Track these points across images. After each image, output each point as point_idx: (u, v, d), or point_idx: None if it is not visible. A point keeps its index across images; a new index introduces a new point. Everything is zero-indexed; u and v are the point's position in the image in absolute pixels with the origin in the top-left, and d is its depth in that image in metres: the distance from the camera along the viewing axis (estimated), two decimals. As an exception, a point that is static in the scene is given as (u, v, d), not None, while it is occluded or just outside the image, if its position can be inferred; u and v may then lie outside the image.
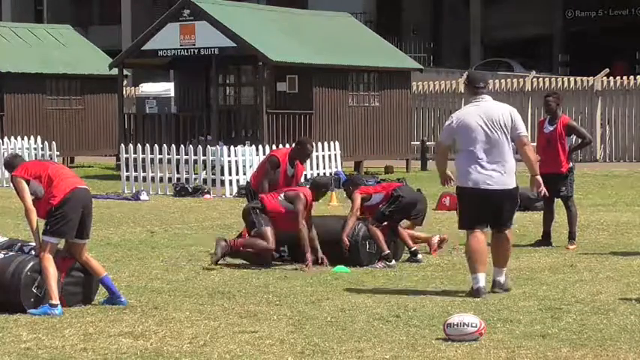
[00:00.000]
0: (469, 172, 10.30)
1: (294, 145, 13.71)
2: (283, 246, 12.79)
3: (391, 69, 29.58)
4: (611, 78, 32.61)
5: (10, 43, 31.75)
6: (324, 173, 24.68)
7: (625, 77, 32.57)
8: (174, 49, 27.04)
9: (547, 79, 34.01)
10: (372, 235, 12.49)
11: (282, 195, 12.60)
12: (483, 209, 10.35)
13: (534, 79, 33.87)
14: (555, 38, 48.09)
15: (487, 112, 10.36)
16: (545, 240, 14.20)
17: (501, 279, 10.53)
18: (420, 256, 12.86)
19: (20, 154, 24.60)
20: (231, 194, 22.46)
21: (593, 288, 10.75)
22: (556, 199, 14.28)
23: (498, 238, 10.53)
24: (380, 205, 12.72)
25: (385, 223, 12.66)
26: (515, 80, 34.32)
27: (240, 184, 22.59)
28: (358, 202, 12.70)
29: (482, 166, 10.30)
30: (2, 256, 9.86)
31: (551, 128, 14.17)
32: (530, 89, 33.64)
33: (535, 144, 14.07)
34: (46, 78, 31.16)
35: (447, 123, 10.58)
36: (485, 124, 10.31)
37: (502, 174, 10.39)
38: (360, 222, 12.66)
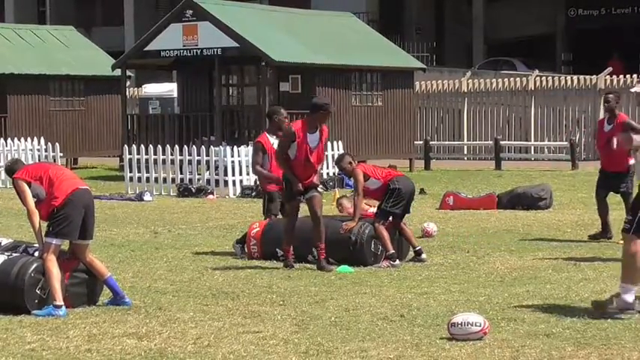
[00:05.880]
0: None
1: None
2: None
3: (394, 68, 29.57)
4: (614, 76, 32.57)
5: (14, 44, 31.76)
6: (327, 173, 24.68)
7: (629, 76, 32.53)
8: (177, 49, 27.05)
9: (550, 78, 33.98)
10: (377, 235, 12.46)
11: None
12: None
13: (537, 78, 33.84)
14: (558, 37, 48.04)
15: None
16: (605, 232, 14.34)
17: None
18: (424, 255, 12.84)
19: (23, 156, 24.69)
20: (234, 194, 22.47)
21: (597, 287, 10.73)
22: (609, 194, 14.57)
23: None
24: (380, 203, 12.63)
25: (390, 218, 12.62)
26: (518, 79, 34.28)
27: (244, 185, 22.60)
28: (361, 177, 12.50)
29: None
30: (6, 257, 9.88)
31: (609, 127, 14.33)
32: (533, 88, 33.61)
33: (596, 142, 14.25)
34: (50, 79, 31.18)
35: None
36: None
37: None
38: (366, 222, 12.63)
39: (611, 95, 14.52)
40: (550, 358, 7.84)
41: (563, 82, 33.42)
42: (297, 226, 12.67)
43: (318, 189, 12.33)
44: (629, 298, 9.22)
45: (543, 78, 33.94)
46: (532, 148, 32.62)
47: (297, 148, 12.12)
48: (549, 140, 32.86)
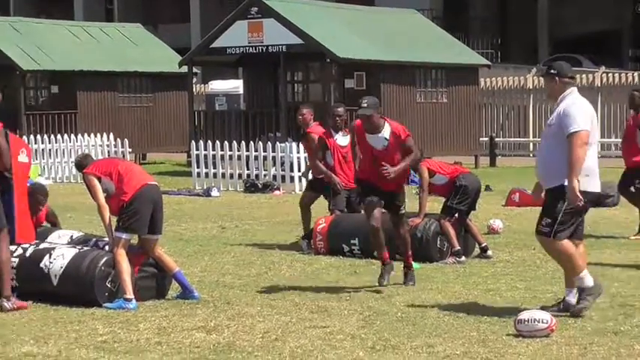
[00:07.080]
0: (595, 175, 9.10)
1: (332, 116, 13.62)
2: (354, 238, 12.79)
3: (458, 65, 29.49)
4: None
5: (83, 42, 32.20)
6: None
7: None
8: (243, 46, 27.24)
9: (617, 75, 33.64)
10: (443, 231, 12.47)
11: None
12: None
13: (604, 75, 33.52)
14: (624, 33, 47.52)
15: (591, 108, 9.18)
16: None
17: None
18: (490, 252, 12.83)
19: (92, 152, 25.02)
20: (300, 190, 22.54)
21: (666, 284, 10.65)
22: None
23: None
24: (446, 200, 12.64)
25: (456, 215, 12.62)
26: (584, 76, 33.98)
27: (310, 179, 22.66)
28: (426, 174, 12.52)
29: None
30: (77, 250, 10.05)
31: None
32: (599, 85, 33.29)
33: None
34: (118, 76, 31.57)
35: (582, 109, 8.98)
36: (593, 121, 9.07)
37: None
38: (432, 218, 12.65)
39: (636, 92, 14.63)
40: (618, 356, 7.80)
41: (630, 78, 33.05)
42: (361, 222, 12.66)
43: (401, 210, 10.86)
44: (589, 282, 9.10)
45: (610, 74, 33.61)
46: (599, 144, 32.31)
47: (360, 146, 11.26)
48: (615, 137, 32.54)
